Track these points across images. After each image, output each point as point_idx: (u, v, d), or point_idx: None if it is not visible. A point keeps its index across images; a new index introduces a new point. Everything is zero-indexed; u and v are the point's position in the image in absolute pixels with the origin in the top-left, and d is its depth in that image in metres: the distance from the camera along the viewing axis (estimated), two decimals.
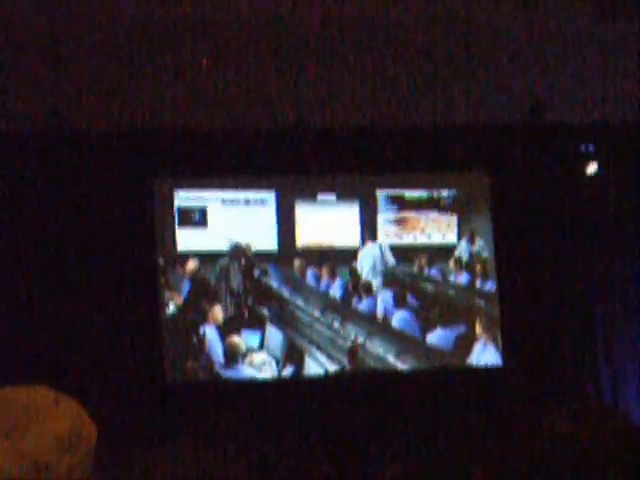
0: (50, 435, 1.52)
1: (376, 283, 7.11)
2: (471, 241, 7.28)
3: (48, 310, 6.54)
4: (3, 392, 1.57)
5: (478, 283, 7.25)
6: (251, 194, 7.08)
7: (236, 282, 6.98)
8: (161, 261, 6.89)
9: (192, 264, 6.93)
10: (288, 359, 6.95)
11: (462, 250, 7.28)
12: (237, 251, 7.01)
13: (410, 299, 7.14)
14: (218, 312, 6.92)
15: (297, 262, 7.08)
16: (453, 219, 7.30)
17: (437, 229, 7.28)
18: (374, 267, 7.13)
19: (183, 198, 6.99)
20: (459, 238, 7.29)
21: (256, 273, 7.02)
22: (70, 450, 1.53)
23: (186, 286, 6.93)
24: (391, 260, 7.16)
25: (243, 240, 7.01)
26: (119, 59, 5.77)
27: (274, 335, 6.97)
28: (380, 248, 7.15)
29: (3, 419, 1.52)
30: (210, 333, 6.88)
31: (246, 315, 6.96)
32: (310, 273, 7.11)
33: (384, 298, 7.10)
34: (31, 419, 1.53)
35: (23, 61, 5.66)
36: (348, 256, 7.14)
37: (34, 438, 1.51)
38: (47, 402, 1.57)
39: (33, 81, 5.91)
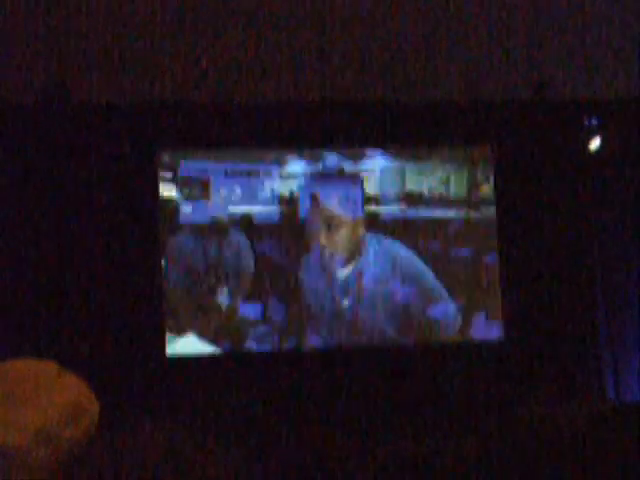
0: (53, 407, 1.54)
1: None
2: (473, 214, 7.28)
3: (48, 279, 6.56)
4: (8, 364, 1.59)
5: (480, 256, 7.26)
6: (254, 166, 7.07)
7: (238, 254, 6.99)
8: (163, 232, 6.89)
9: (194, 235, 6.93)
10: (289, 332, 6.98)
11: (464, 223, 7.27)
12: (238, 222, 7.01)
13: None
14: (220, 284, 6.94)
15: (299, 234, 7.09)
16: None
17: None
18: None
19: (186, 169, 6.98)
20: (462, 211, 7.29)
21: (257, 245, 7.03)
22: (73, 423, 1.54)
23: (188, 258, 6.93)
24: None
25: (245, 211, 7.02)
26: (123, 30, 5.75)
27: (275, 307, 6.99)
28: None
29: (7, 390, 1.54)
30: (210, 305, 6.91)
31: (248, 287, 6.98)
32: (314, 246, 7.11)
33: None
34: (35, 391, 1.54)
35: (27, 32, 5.64)
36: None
37: (37, 409, 1.52)
38: (51, 375, 1.58)
39: (37, 52, 5.89)
